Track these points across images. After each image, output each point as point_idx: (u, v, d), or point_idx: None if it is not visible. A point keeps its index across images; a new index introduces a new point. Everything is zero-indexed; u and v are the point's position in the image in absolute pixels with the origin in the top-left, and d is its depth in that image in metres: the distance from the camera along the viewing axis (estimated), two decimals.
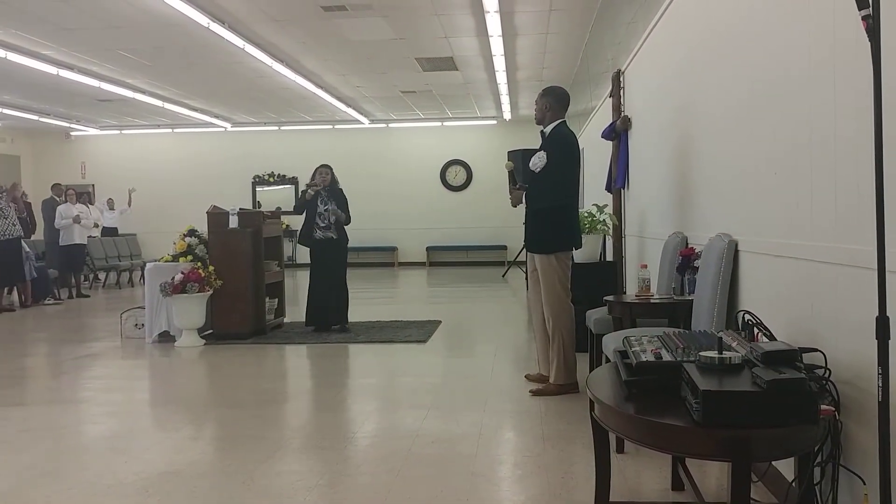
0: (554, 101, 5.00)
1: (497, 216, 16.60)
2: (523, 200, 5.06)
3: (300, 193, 7.91)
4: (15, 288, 10.96)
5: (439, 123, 18.06)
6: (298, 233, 8.02)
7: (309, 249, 7.95)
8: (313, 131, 18.27)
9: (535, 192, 4.99)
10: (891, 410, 1.90)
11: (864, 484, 2.19)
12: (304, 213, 7.90)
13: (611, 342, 3.76)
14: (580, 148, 5.21)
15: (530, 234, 5.08)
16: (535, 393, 4.92)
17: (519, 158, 12.19)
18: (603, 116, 9.23)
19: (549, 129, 5.01)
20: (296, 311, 9.65)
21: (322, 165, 8.06)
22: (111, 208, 15.75)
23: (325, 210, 7.81)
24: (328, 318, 7.81)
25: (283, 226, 11.32)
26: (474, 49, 10.77)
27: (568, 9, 8.83)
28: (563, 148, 4.92)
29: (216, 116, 16.74)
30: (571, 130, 5.09)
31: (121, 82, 12.58)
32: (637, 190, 6.65)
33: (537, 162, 4.95)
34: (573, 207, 5.07)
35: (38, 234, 13.53)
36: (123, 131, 18.40)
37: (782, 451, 2.14)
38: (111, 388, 5.60)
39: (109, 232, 15.12)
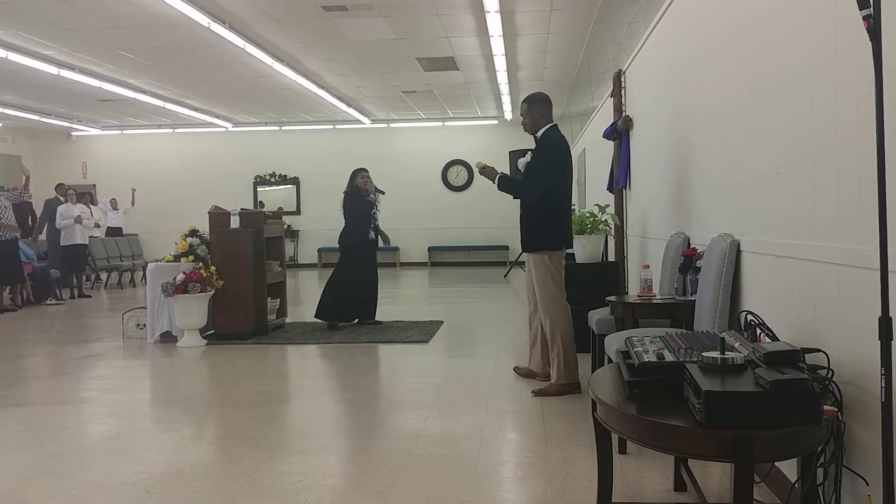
0: (543, 108, 5.07)
1: (498, 216, 16.61)
2: (495, 180, 5.11)
3: (358, 198, 8.18)
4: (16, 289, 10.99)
5: (440, 123, 18.06)
6: (347, 232, 8.23)
7: (346, 249, 8.23)
8: (314, 131, 18.28)
9: (521, 188, 5.10)
10: (894, 411, 1.90)
11: (868, 485, 2.19)
12: (354, 215, 8.13)
13: (613, 342, 3.76)
14: (571, 151, 5.23)
15: (522, 233, 5.15)
16: (536, 393, 4.92)
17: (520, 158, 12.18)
18: (604, 116, 9.23)
19: (539, 133, 5.07)
20: (298, 311, 9.65)
21: (363, 169, 8.34)
22: (115, 208, 15.79)
23: (374, 212, 8.25)
24: (364, 314, 8.19)
25: (285, 226, 11.35)
26: (475, 49, 10.78)
27: (569, 8, 8.83)
28: (549, 150, 4.99)
29: (217, 116, 16.75)
30: (562, 135, 5.13)
31: (122, 82, 12.60)
32: (639, 190, 6.65)
33: (524, 161, 5.08)
34: (562, 207, 5.06)
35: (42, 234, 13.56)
36: (124, 131, 18.42)
37: (785, 452, 2.14)
38: (113, 389, 5.60)
39: (114, 232, 15.19)
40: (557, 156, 5.01)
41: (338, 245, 8.39)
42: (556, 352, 4.93)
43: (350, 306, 8.12)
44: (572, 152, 14.38)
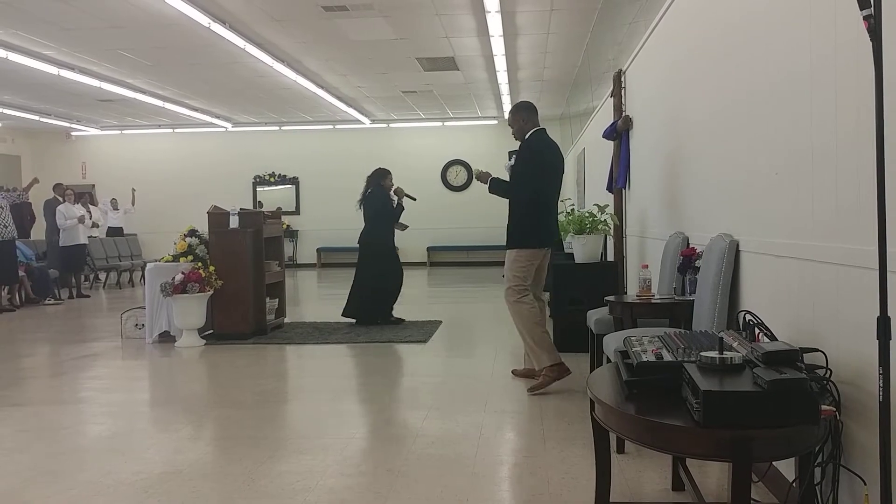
0: (528, 114, 5.26)
1: (498, 216, 16.42)
2: (487, 182, 5.33)
3: (386, 198, 8.35)
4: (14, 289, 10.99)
5: (440, 123, 18.06)
6: (368, 230, 8.32)
7: (368, 250, 8.32)
8: (314, 131, 18.28)
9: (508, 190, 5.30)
10: (892, 411, 1.90)
11: (865, 484, 2.19)
12: (381, 215, 8.25)
13: (612, 342, 3.76)
14: (559, 152, 5.40)
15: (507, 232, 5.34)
16: (532, 389, 4.96)
17: None
18: (604, 116, 9.23)
19: (527, 136, 5.26)
20: (296, 311, 9.65)
21: (389, 171, 8.48)
22: (115, 208, 15.81)
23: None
24: (389, 312, 8.34)
25: (284, 226, 11.35)
26: (475, 49, 10.78)
27: (569, 8, 8.83)
28: (530, 152, 5.17)
29: (217, 116, 16.75)
30: (548, 138, 5.29)
31: (121, 82, 12.60)
32: (638, 190, 6.65)
33: (508, 164, 5.37)
34: (546, 208, 5.17)
35: (39, 234, 13.56)
36: (124, 131, 18.42)
37: (783, 452, 2.14)
38: (111, 389, 5.60)
39: (114, 232, 15.21)
40: (538, 157, 5.15)
41: (358, 245, 8.45)
42: (525, 341, 5.12)
43: (384, 303, 8.31)
44: (572, 152, 14.26)
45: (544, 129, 5.28)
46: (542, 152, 5.18)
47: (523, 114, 5.26)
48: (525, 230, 5.11)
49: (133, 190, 15.95)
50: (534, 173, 5.11)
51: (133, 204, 15.88)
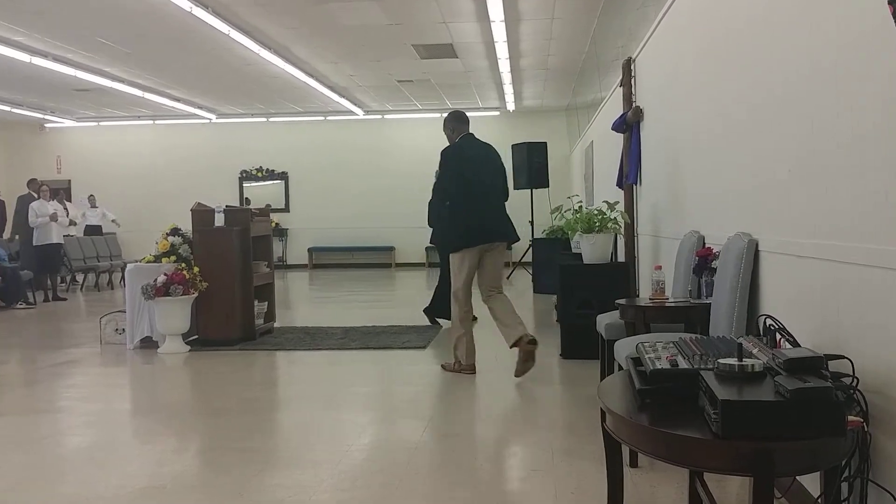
0: (455, 123, 5.95)
1: None
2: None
3: None
4: None
5: (438, 115, 18.05)
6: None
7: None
8: (304, 123, 18.28)
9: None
10: None
11: (895, 500, 2.19)
12: None
13: (623, 349, 3.76)
14: (480, 151, 5.90)
15: None
16: (443, 366, 5.93)
17: (524, 152, 12.15)
18: (613, 107, 9.24)
19: None
20: (287, 315, 9.65)
21: None
22: (93, 206, 15.78)
23: None
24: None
25: (273, 224, 11.35)
26: (475, 35, 10.78)
27: None
28: (441, 159, 5.91)
29: (200, 107, 16.75)
30: (465, 142, 5.88)
31: (98, 71, 12.59)
32: (650, 186, 6.66)
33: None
34: (464, 209, 5.70)
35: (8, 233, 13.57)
36: (101, 123, 18.41)
37: (807, 466, 2.14)
38: (90, 397, 5.61)
39: (93, 230, 15.17)
40: (446, 165, 5.86)
41: (437, 244, 8.76)
42: (455, 336, 5.80)
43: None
44: (579, 145, 14.32)
45: (471, 134, 5.91)
46: (450, 157, 5.81)
47: (449, 124, 5.96)
48: (448, 236, 5.82)
49: (114, 221, 15.77)
50: (446, 179, 5.81)
51: (114, 221, 15.71)
